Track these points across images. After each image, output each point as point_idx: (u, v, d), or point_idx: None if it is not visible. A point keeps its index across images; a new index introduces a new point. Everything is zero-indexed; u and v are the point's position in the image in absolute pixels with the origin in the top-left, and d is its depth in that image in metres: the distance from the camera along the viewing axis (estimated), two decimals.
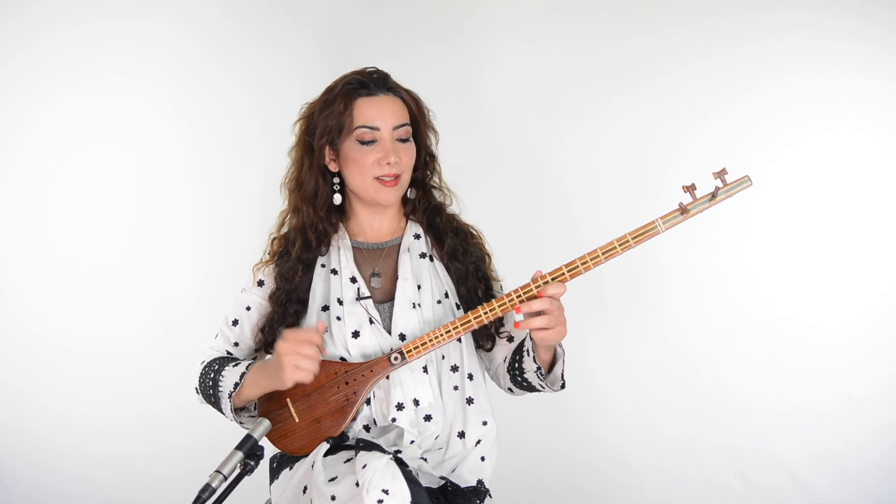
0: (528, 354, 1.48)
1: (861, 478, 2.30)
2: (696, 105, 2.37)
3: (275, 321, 1.56)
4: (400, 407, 1.48)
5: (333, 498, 1.31)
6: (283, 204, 1.64)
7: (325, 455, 1.44)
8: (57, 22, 2.48)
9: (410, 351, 1.45)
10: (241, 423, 1.55)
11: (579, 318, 2.30)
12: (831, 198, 2.31)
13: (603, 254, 1.37)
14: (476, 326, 1.44)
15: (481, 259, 1.63)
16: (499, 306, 1.42)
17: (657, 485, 2.45)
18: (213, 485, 1.23)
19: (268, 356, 1.64)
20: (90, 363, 2.57)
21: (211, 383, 1.52)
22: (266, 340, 1.58)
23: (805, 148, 2.31)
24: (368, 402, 1.51)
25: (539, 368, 1.47)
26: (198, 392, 1.59)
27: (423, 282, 1.56)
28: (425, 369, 1.51)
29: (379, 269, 1.59)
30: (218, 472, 1.24)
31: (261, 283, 1.61)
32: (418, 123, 1.59)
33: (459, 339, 1.55)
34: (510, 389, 1.61)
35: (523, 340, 1.53)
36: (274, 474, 1.56)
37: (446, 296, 1.58)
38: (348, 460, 1.40)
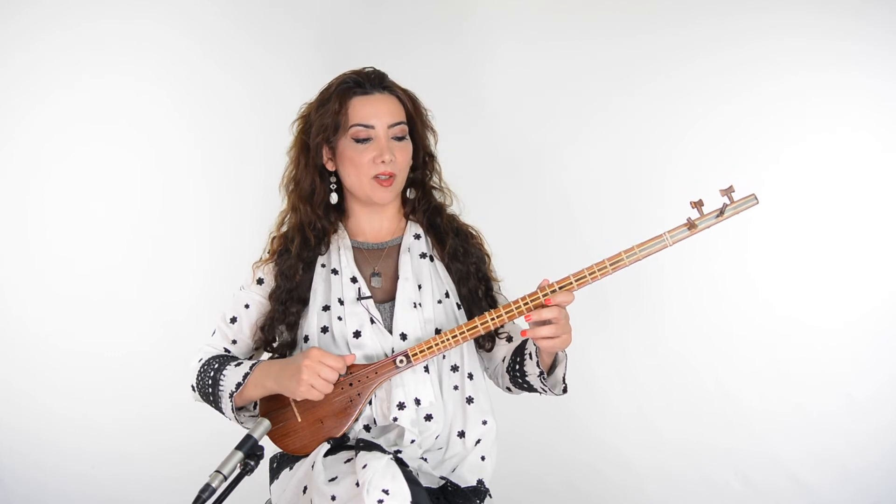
0: (532, 358, 1.48)
1: (861, 478, 2.30)
2: (696, 105, 2.37)
3: (275, 319, 1.56)
4: (401, 406, 1.48)
5: (333, 498, 1.31)
6: (282, 204, 1.65)
7: (326, 455, 1.44)
8: (57, 22, 2.48)
9: (416, 354, 1.44)
10: (240, 422, 1.54)
11: (581, 321, 2.30)
12: (831, 198, 2.31)
13: (611, 265, 1.40)
14: (483, 332, 1.44)
15: (482, 259, 1.64)
16: (506, 313, 1.42)
17: (657, 485, 2.45)
18: (213, 485, 1.23)
19: (266, 355, 1.64)
20: (90, 363, 2.57)
21: (210, 382, 1.52)
22: (266, 339, 1.58)
23: (805, 148, 2.31)
24: (370, 402, 1.51)
25: (542, 373, 1.48)
26: (194, 390, 1.58)
27: (423, 282, 1.56)
28: (426, 369, 1.51)
29: (379, 269, 1.59)
30: (218, 472, 1.24)
31: (260, 282, 1.60)
32: (415, 122, 1.59)
33: None
34: (508, 389, 1.62)
35: (524, 342, 1.53)
36: (274, 474, 1.56)
37: (447, 295, 1.58)
38: (348, 460, 1.40)
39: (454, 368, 1.55)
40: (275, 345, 1.59)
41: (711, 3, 2.34)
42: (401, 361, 1.45)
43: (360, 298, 1.53)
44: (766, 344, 2.38)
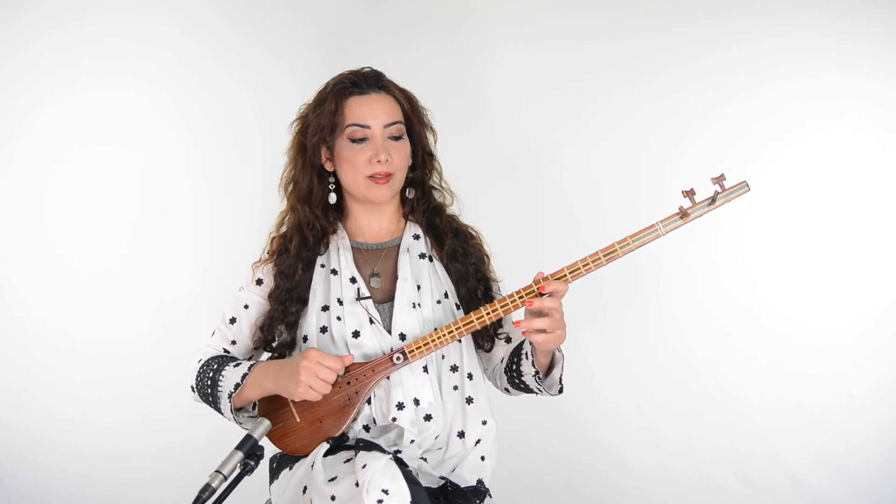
0: (527, 358, 1.49)
1: (861, 478, 2.30)
2: (696, 105, 2.37)
3: (274, 319, 1.56)
4: (400, 406, 1.48)
5: (333, 498, 1.31)
6: (282, 204, 1.65)
7: (325, 455, 1.44)
8: (57, 22, 2.48)
9: (413, 351, 1.45)
10: (239, 423, 1.55)
11: (580, 321, 2.31)
12: (831, 198, 2.31)
13: (604, 256, 1.39)
14: (478, 327, 1.44)
15: (481, 260, 1.64)
16: (501, 307, 1.43)
17: (657, 485, 2.45)
18: (213, 485, 1.23)
19: (265, 355, 1.64)
20: (90, 363, 2.57)
21: (210, 382, 1.52)
22: (265, 339, 1.58)
23: (805, 148, 2.31)
24: (369, 401, 1.51)
25: (537, 373, 1.48)
26: (194, 390, 1.58)
27: (422, 282, 1.56)
28: (425, 369, 1.51)
29: (378, 269, 1.59)
30: (218, 472, 1.24)
31: (259, 282, 1.61)
32: (412, 121, 1.58)
33: (459, 340, 1.55)
34: (507, 390, 1.62)
35: (522, 342, 1.53)
36: (274, 474, 1.56)
37: (446, 296, 1.58)
38: (348, 460, 1.40)
39: (454, 368, 1.55)
40: (274, 344, 1.59)
41: (711, 3, 2.33)
42: (398, 359, 1.45)
43: (359, 299, 1.54)
44: (766, 344, 2.38)
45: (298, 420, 1.49)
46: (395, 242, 1.62)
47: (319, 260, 1.60)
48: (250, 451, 1.29)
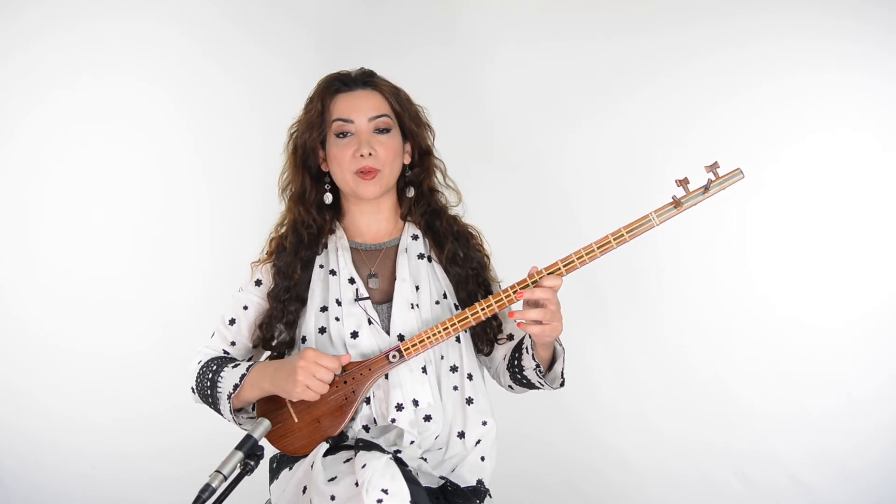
0: (527, 352, 1.49)
1: (861, 478, 2.29)
2: (696, 105, 2.37)
3: (273, 318, 1.56)
4: (399, 408, 1.48)
5: (333, 498, 1.31)
6: (282, 204, 1.66)
7: (325, 455, 1.44)
8: (57, 22, 2.48)
9: (409, 349, 1.45)
10: (239, 424, 1.55)
11: (580, 320, 2.31)
12: (831, 198, 2.31)
13: (598, 248, 1.38)
14: (473, 323, 1.44)
15: (482, 265, 1.63)
16: (496, 302, 1.42)
17: (657, 485, 2.45)
18: (213, 485, 1.23)
19: (265, 354, 1.64)
20: (90, 363, 2.57)
21: (209, 384, 1.52)
22: (264, 337, 1.58)
23: (805, 148, 2.31)
24: (368, 401, 1.51)
25: (538, 366, 1.48)
26: (194, 392, 1.59)
27: (421, 282, 1.56)
28: (424, 370, 1.51)
29: (376, 269, 1.59)
30: (218, 472, 1.24)
31: (258, 283, 1.61)
32: (402, 117, 1.57)
33: (458, 340, 1.55)
34: (510, 387, 1.62)
35: (523, 338, 1.53)
36: (274, 474, 1.56)
37: (444, 296, 1.58)
38: (348, 460, 1.40)
39: (453, 369, 1.55)
40: (273, 343, 1.59)
41: (711, 3, 2.33)
42: (393, 357, 1.45)
43: (357, 299, 1.53)
44: (766, 343, 2.38)
45: (296, 420, 1.49)
46: (394, 243, 1.62)
47: (318, 260, 1.60)
48: (250, 451, 1.29)
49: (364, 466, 1.32)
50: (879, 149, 2.27)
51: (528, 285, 1.40)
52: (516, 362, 1.54)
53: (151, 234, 2.57)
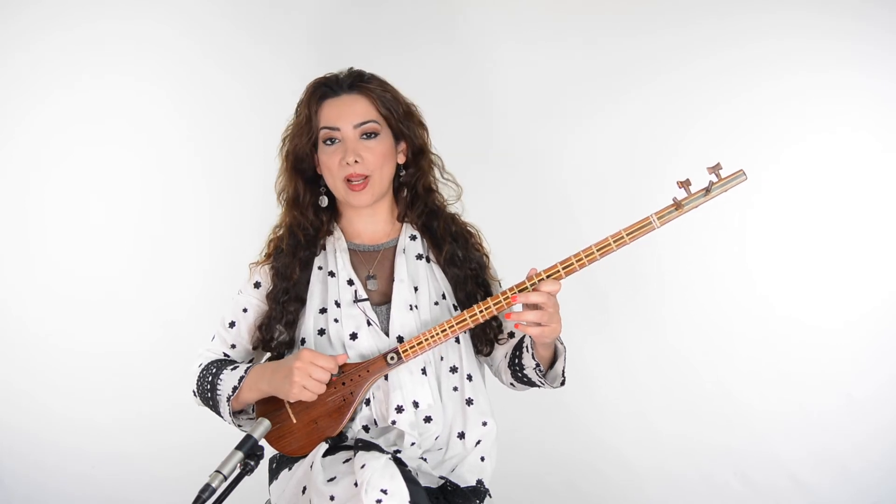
0: (528, 351, 1.49)
1: (861, 478, 2.29)
2: (696, 105, 2.37)
3: (272, 318, 1.56)
4: (399, 409, 1.48)
5: (332, 498, 1.31)
6: (279, 206, 1.66)
7: (324, 455, 1.44)
8: (57, 22, 2.48)
9: (406, 350, 1.44)
10: (239, 426, 1.55)
11: (580, 321, 2.31)
12: (831, 198, 2.31)
13: (598, 250, 1.37)
14: (472, 325, 1.44)
15: (481, 265, 1.63)
16: (494, 304, 1.42)
17: (657, 485, 2.45)
18: (213, 485, 1.23)
19: (266, 355, 1.64)
20: (90, 363, 2.57)
21: (209, 386, 1.53)
22: (264, 338, 1.58)
23: (805, 148, 2.31)
24: (368, 402, 1.51)
25: (538, 365, 1.48)
26: (195, 395, 1.59)
27: (419, 283, 1.56)
28: (424, 371, 1.51)
29: (375, 271, 1.59)
30: (218, 472, 1.24)
31: (257, 285, 1.61)
32: (391, 119, 1.56)
33: (458, 341, 1.55)
34: (512, 384, 1.62)
35: (523, 336, 1.53)
36: (273, 475, 1.56)
37: (443, 297, 1.58)
38: (347, 460, 1.40)
39: (453, 370, 1.55)
40: (273, 344, 1.59)
41: (711, 3, 2.33)
42: (391, 359, 1.45)
43: (356, 301, 1.53)
44: (766, 344, 2.38)
45: (295, 421, 1.49)
46: (392, 244, 1.61)
47: (317, 262, 1.60)
48: (250, 451, 1.29)
49: (363, 466, 1.32)
50: (879, 149, 2.27)
51: (526, 288, 1.39)
52: (517, 361, 1.54)
53: (151, 235, 2.57)
